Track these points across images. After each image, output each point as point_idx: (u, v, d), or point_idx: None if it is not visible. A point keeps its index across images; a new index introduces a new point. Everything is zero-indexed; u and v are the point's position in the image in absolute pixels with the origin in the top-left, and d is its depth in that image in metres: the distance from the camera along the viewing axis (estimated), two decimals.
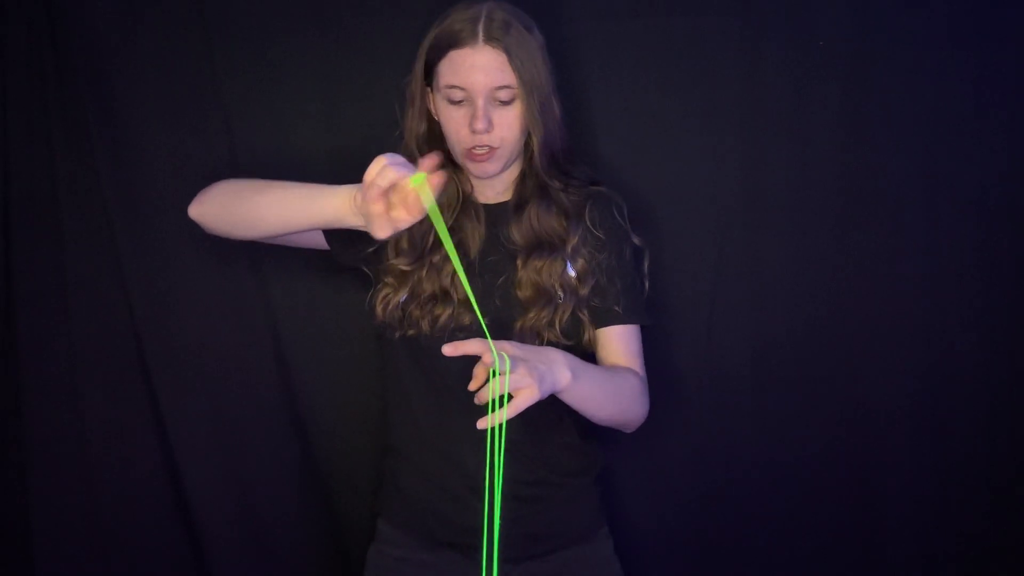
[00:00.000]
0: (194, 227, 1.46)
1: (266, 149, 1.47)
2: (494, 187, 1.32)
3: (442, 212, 1.28)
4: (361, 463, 1.51)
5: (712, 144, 1.51)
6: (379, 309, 1.29)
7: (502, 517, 1.29)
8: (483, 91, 1.19)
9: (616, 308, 1.29)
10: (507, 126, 1.22)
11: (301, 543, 1.55)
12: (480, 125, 1.19)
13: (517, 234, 1.28)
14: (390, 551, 1.35)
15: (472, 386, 1.06)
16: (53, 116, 1.41)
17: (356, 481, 1.53)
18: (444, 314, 1.26)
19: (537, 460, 1.30)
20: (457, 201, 1.30)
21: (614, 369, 1.27)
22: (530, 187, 1.30)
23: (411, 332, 1.27)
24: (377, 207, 1.02)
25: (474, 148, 1.22)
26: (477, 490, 1.28)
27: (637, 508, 1.56)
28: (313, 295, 1.49)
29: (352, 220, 1.10)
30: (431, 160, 1.02)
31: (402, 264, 1.28)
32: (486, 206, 1.32)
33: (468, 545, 1.29)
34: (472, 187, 1.32)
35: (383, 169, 1.00)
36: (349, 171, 1.46)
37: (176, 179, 1.45)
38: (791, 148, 1.51)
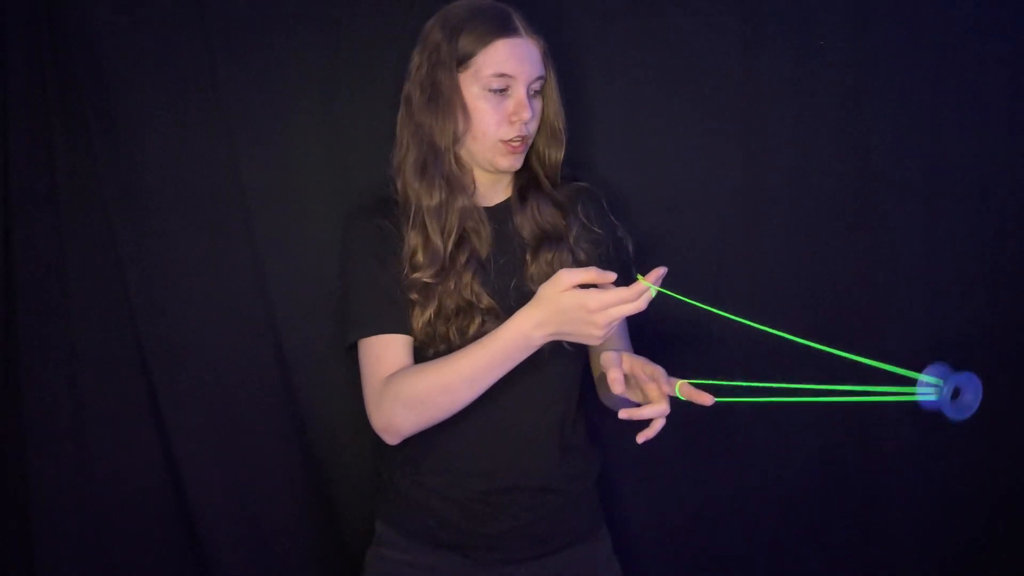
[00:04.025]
0: (193, 227, 1.47)
1: (266, 149, 1.47)
2: (495, 188, 1.33)
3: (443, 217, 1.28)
4: (361, 463, 1.51)
5: (712, 144, 1.51)
6: (417, 328, 1.25)
7: (506, 523, 1.29)
8: (528, 80, 1.22)
9: None
10: (537, 118, 1.26)
11: (301, 543, 1.55)
12: (527, 114, 1.22)
13: (523, 229, 1.29)
14: (390, 554, 1.34)
15: (617, 390, 1.09)
16: (53, 116, 1.41)
17: (356, 481, 1.53)
18: (472, 325, 1.24)
19: (549, 467, 1.30)
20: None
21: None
22: (524, 183, 1.31)
23: (442, 347, 1.24)
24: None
25: (512, 139, 1.23)
26: (485, 497, 1.28)
27: (635, 508, 1.56)
28: (313, 295, 1.49)
29: (542, 343, 1.13)
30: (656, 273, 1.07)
31: (425, 277, 1.24)
32: (487, 208, 1.32)
33: (472, 547, 1.29)
34: (474, 190, 1.31)
35: (614, 319, 1.07)
36: (349, 171, 1.48)
37: (176, 179, 1.45)
38: (791, 148, 1.51)
